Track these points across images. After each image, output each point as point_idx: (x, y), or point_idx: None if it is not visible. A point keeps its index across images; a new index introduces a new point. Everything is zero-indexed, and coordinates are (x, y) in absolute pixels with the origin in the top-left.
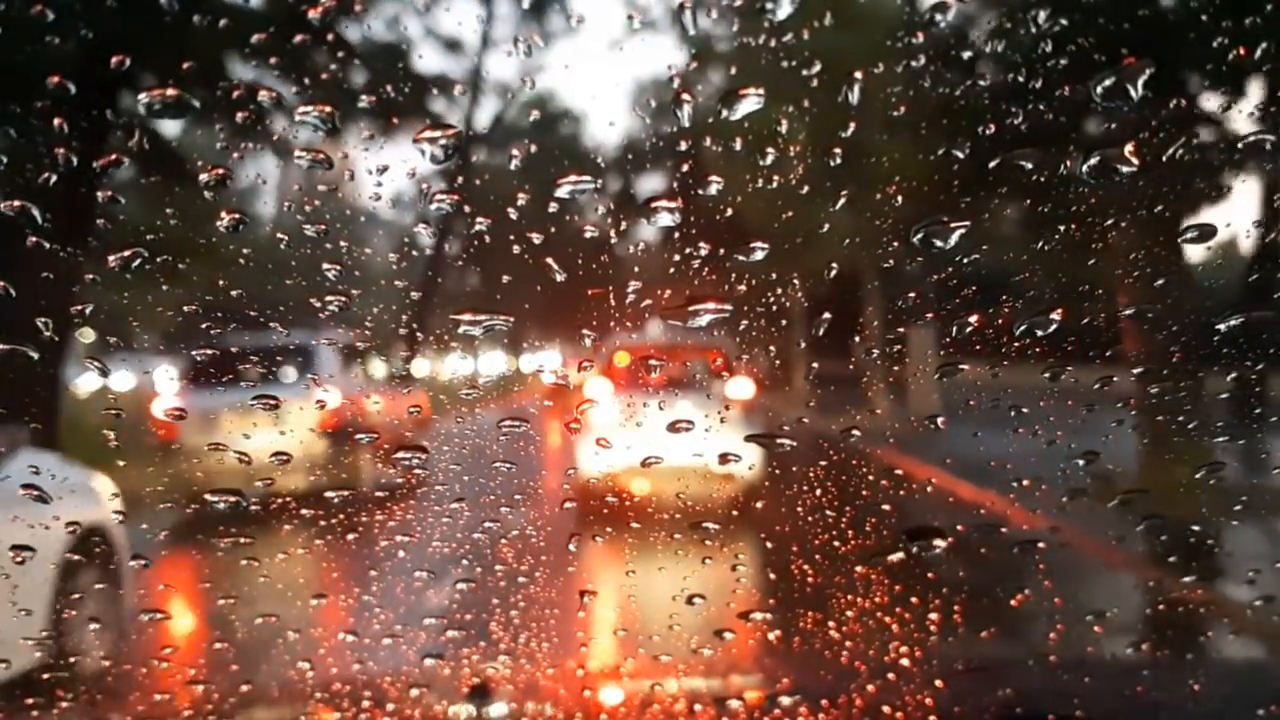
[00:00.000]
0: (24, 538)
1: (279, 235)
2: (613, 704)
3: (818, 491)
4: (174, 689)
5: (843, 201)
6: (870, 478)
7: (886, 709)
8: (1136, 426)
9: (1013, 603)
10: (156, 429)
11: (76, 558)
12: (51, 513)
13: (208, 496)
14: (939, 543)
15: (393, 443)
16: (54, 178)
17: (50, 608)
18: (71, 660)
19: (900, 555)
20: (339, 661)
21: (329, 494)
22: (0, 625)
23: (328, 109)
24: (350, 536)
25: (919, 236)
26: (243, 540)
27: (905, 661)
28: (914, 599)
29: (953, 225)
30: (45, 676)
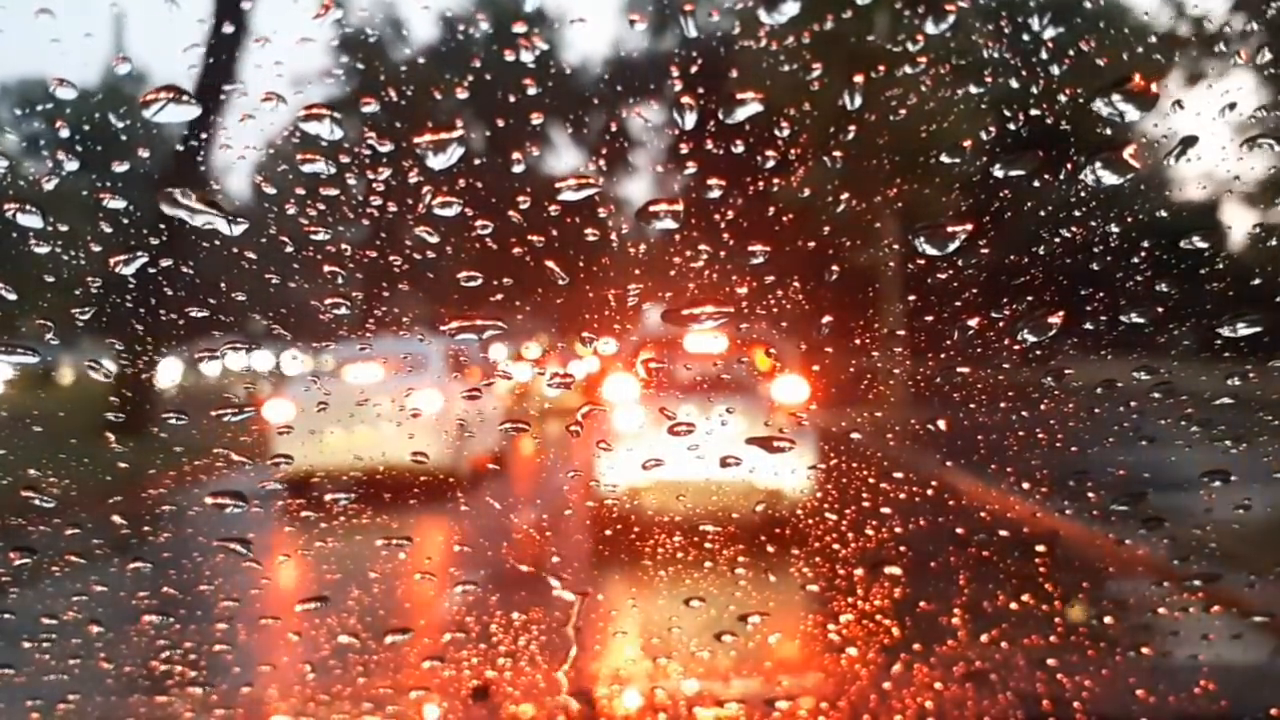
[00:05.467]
0: None
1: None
2: (613, 707)
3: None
4: (175, 690)
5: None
6: None
7: (885, 712)
8: None
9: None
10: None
11: None
12: None
13: (208, 500)
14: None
15: None
16: None
17: None
18: (73, 660)
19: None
20: (340, 664)
21: None
22: None
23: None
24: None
25: None
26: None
27: (904, 665)
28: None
29: None
30: (48, 678)
